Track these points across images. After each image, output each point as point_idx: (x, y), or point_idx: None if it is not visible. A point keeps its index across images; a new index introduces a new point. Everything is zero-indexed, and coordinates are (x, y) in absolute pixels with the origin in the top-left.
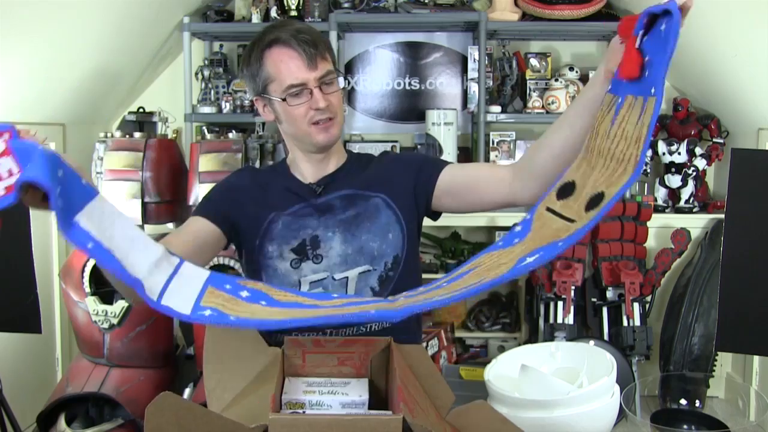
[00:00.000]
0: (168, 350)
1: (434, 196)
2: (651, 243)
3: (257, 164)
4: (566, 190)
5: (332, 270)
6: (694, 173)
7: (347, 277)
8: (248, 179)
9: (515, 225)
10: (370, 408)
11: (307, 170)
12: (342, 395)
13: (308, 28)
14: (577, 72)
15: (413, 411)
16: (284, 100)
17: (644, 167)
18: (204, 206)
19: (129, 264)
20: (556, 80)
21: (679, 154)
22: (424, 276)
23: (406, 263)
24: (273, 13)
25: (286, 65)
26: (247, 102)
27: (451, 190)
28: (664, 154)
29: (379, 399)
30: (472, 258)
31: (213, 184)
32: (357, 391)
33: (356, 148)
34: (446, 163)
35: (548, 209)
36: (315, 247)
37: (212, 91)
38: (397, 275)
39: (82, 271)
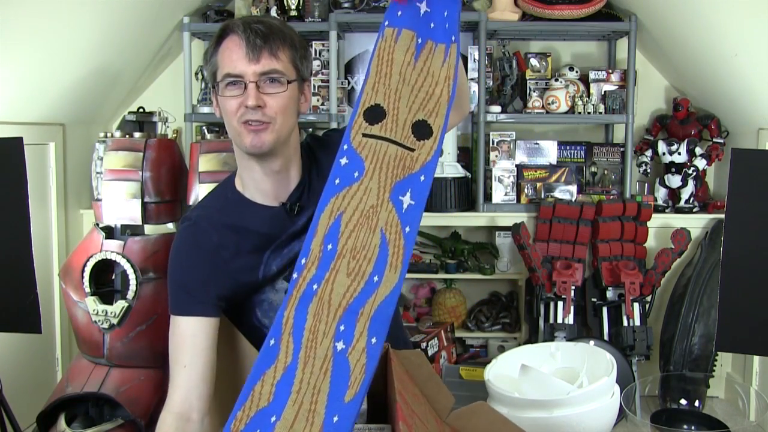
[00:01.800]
0: (168, 350)
1: None
2: (651, 243)
3: None
4: (376, 114)
5: None
6: (694, 173)
7: None
8: (214, 236)
9: (339, 158)
10: (368, 417)
11: (266, 186)
12: None
13: (271, 21)
14: (577, 72)
15: (411, 428)
16: (215, 88)
17: (645, 167)
18: (190, 304)
19: None
20: (556, 80)
21: (679, 154)
22: (423, 276)
23: None
24: (273, 13)
25: (229, 53)
26: None
27: None
28: (664, 154)
29: (377, 407)
30: (321, 203)
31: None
32: None
33: None
34: None
35: (366, 135)
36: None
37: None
38: None
39: (82, 271)
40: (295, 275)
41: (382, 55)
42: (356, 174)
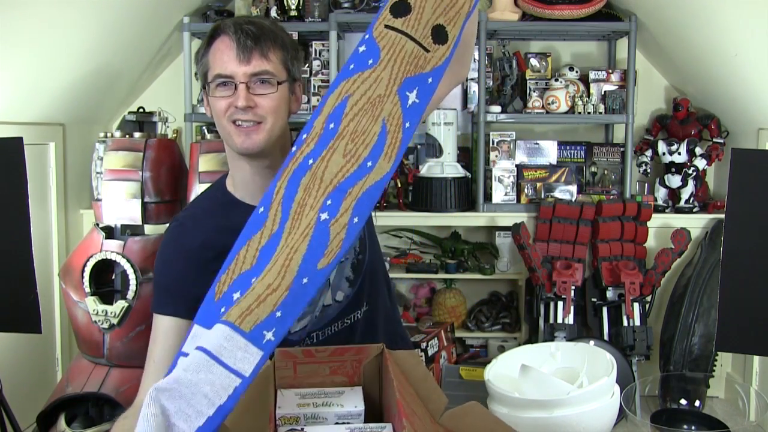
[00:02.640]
0: None
1: None
2: (651, 243)
3: None
4: (401, 8)
5: None
6: (694, 173)
7: (328, 279)
8: (198, 236)
9: (359, 47)
10: (365, 418)
11: (256, 187)
12: (337, 406)
13: (262, 22)
14: (577, 72)
15: (414, 424)
16: (206, 88)
17: (645, 167)
18: (166, 303)
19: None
20: (556, 80)
21: (679, 154)
22: (423, 276)
23: (369, 241)
24: (273, 13)
25: (220, 54)
26: None
27: None
28: (664, 154)
29: (372, 407)
30: (333, 85)
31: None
32: (352, 402)
33: None
34: None
35: (387, 26)
36: None
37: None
38: (366, 256)
39: (82, 271)
40: (293, 149)
41: None
42: (371, 62)
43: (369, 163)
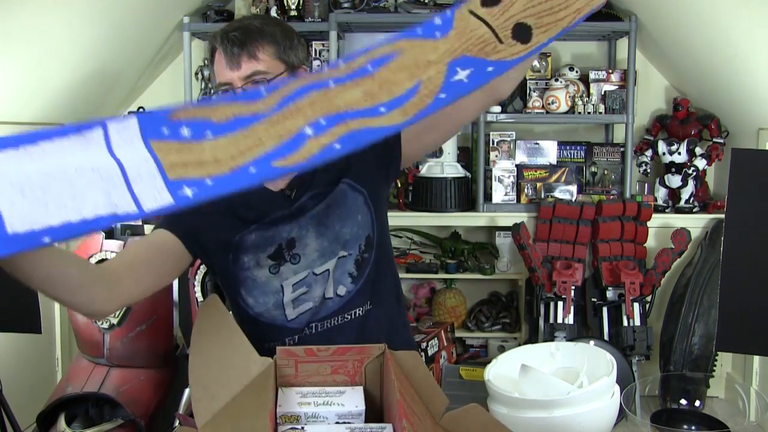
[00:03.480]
0: (168, 350)
1: (405, 145)
2: (651, 243)
3: None
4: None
5: (311, 266)
6: (694, 173)
7: (328, 270)
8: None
9: (434, 17)
10: (365, 418)
11: None
12: (338, 406)
13: (250, 23)
14: (577, 72)
15: (414, 425)
16: (216, 95)
17: (645, 167)
18: (169, 220)
19: (77, 206)
20: (556, 80)
21: (680, 154)
22: (423, 276)
23: (378, 242)
24: (273, 12)
25: (217, 65)
26: None
27: (426, 126)
28: (664, 154)
29: (373, 407)
30: (393, 38)
31: None
32: (353, 402)
33: None
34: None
35: (471, 12)
36: (291, 248)
37: (212, 91)
38: (372, 257)
39: None
40: (325, 67)
41: None
42: (438, 34)
43: (383, 109)
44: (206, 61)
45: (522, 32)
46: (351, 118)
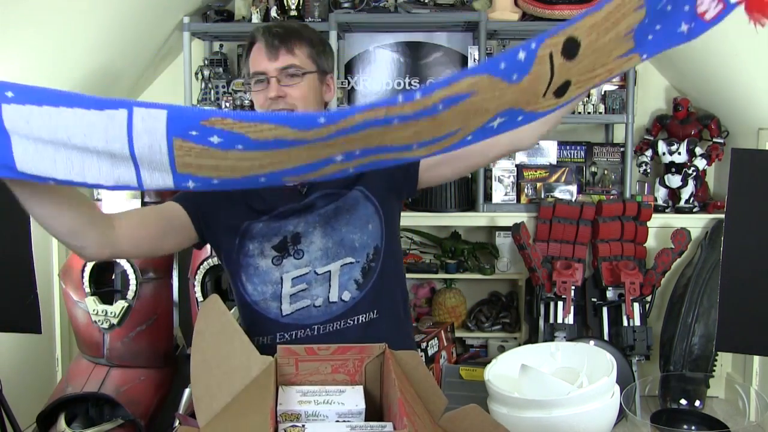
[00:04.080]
0: (168, 350)
1: (422, 173)
2: (651, 243)
3: None
4: (571, 50)
5: (314, 264)
6: (694, 173)
7: (329, 271)
8: None
9: (520, 49)
10: (365, 417)
11: None
12: (338, 405)
13: (290, 24)
14: None
15: (414, 424)
16: (248, 85)
17: (645, 167)
18: (182, 196)
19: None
20: None
21: (679, 154)
22: (423, 276)
23: (387, 253)
24: (273, 12)
25: (254, 55)
26: (247, 102)
27: (446, 160)
28: (664, 154)
29: (373, 406)
30: (476, 69)
31: None
32: (353, 400)
33: None
34: None
35: (550, 57)
36: (296, 243)
37: (212, 91)
38: (379, 266)
39: (82, 271)
40: (400, 98)
41: (618, 8)
42: (515, 77)
43: (415, 146)
44: (242, 59)
45: (563, 88)
46: (386, 152)
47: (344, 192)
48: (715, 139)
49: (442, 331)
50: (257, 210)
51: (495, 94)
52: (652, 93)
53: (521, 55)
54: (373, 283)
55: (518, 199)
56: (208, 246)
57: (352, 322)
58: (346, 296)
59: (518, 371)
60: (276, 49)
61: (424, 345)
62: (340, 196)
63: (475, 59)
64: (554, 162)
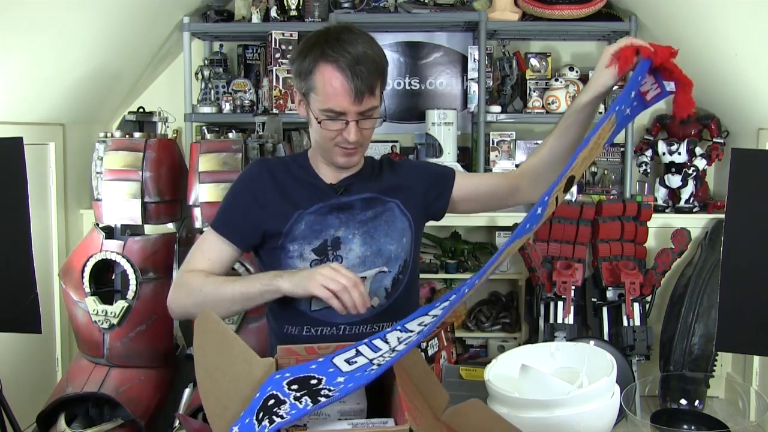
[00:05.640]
0: (168, 350)
1: (453, 203)
2: (651, 243)
3: None
4: (569, 184)
5: (351, 270)
6: (694, 173)
7: (365, 277)
8: (267, 179)
9: (537, 207)
10: (367, 414)
11: (326, 170)
12: (340, 403)
13: (368, 58)
14: (577, 72)
15: (416, 419)
16: (319, 120)
17: (645, 167)
18: (226, 224)
19: None
20: (556, 80)
21: (679, 154)
22: (423, 276)
23: (412, 268)
24: (273, 12)
25: (333, 89)
26: (246, 102)
27: (472, 197)
28: (664, 154)
29: (374, 403)
30: (507, 244)
31: (213, 184)
32: (354, 399)
33: None
34: (454, 172)
35: (556, 199)
36: (336, 248)
37: (212, 91)
38: (406, 278)
39: (82, 271)
40: (447, 304)
41: (600, 135)
42: (528, 225)
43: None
44: (297, 63)
45: (569, 183)
46: (418, 340)
47: (383, 200)
48: (715, 139)
49: (442, 331)
50: (298, 205)
51: (515, 248)
52: None
53: (539, 210)
54: (399, 295)
55: None
56: None
57: (377, 328)
58: (375, 302)
59: (518, 371)
60: (361, 94)
61: (424, 345)
62: (377, 202)
63: (475, 59)
64: None
